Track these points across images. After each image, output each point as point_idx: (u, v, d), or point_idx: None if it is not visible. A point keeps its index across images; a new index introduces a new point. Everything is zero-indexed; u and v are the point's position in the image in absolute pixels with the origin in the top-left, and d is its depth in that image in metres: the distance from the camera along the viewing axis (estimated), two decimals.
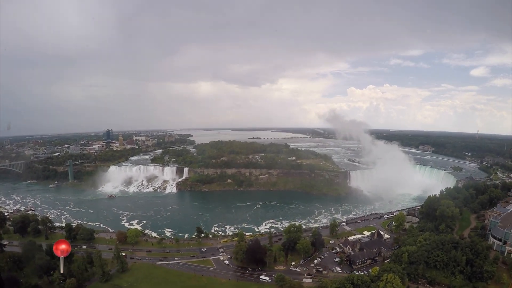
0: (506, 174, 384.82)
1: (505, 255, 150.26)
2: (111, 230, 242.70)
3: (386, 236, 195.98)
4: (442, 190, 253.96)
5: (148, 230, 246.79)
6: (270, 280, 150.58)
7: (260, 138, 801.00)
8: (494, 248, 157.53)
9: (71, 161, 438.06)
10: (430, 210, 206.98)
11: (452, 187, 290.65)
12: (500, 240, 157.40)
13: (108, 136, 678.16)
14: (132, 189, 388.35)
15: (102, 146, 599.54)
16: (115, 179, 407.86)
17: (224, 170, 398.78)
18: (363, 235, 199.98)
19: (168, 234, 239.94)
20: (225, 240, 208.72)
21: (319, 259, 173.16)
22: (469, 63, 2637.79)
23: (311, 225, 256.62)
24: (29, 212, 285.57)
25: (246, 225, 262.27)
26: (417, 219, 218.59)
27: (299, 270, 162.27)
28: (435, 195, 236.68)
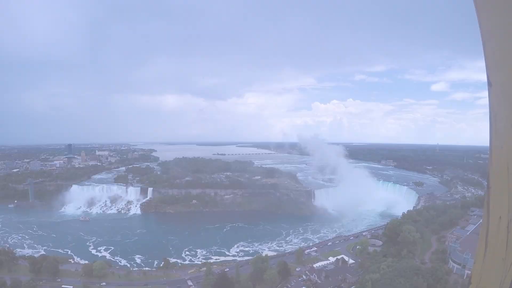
0: (466, 187, 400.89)
1: (464, 278, 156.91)
2: (76, 259, 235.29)
3: (351, 261, 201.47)
4: (404, 212, 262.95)
5: (118, 257, 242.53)
6: None
7: (224, 154, 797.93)
8: (454, 272, 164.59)
9: (31, 179, 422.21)
10: (393, 234, 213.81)
11: (413, 208, 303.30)
12: (459, 264, 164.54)
13: (70, 150, 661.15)
14: (95, 210, 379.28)
15: (63, 162, 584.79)
16: (77, 199, 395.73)
17: (188, 191, 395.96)
18: (328, 261, 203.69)
19: (139, 261, 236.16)
20: (192, 270, 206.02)
21: None
22: (430, 79, 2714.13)
23: (283, 245, 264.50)
24: None
25: (217, 248, 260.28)
26: (380, 242, 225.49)
27: None
28: (397, 218, 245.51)
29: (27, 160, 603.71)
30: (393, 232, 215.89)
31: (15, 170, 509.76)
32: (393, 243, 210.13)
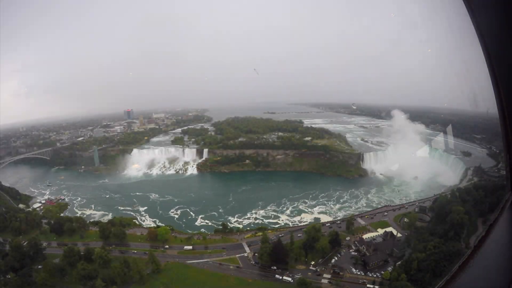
0: None
1: None
2: (140, 220, 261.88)
3: (398, 234, 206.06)
4: (453, 189, 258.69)
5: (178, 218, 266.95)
6: (292, 281, 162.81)
7: (274, 113, 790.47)
8: None
9: (95, 146, 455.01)
10: (441, 212, 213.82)
11: (459, 181, 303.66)
12: None
13: (129, 116, 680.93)
14: (155, 171, 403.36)
15: (124, 127, 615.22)
16: (138, 162, 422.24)
17: (242, 151, 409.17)
18: (377, 233, 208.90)
19: (198, 222, 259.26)
20: (248, 235, 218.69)
21: (336, 258, 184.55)
22: None
23: (332, 210, 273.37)
24: (60, 201, 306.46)
25: (270, 210, 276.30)
26: (428, 218, 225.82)
27: (318, 270, 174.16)
28: (445, 194, 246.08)
29: (90, 127, 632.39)
30: (441, 210, 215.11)
31: (80, 139, 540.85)
32: (440, 222, 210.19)
